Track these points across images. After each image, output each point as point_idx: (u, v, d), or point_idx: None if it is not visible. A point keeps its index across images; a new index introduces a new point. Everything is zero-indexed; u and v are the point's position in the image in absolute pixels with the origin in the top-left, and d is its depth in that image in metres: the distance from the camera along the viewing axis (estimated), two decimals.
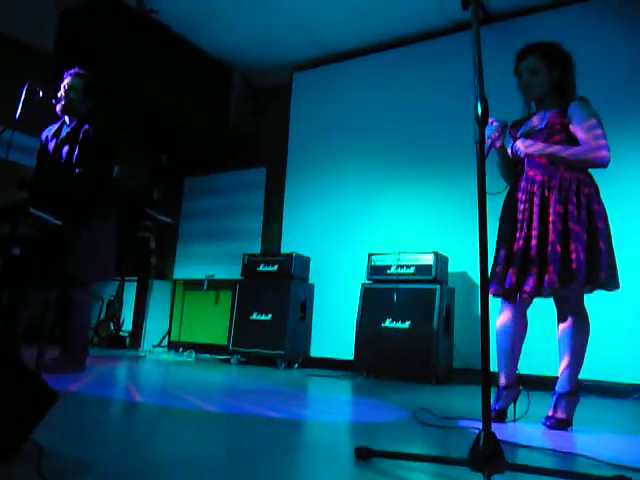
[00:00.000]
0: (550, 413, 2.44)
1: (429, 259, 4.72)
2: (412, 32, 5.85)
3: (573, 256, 2.32)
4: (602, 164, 2.41)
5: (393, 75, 6.00)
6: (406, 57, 5.97)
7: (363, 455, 1.54)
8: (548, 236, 2.38)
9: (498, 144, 2.55)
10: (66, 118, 3.67)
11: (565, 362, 2.48)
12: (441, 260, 4.78)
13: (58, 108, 3.62)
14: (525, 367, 2.47)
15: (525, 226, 2.44)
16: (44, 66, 5.57)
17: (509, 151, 2.65)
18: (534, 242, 2.39)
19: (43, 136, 3.74)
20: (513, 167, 2.65)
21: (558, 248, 2.34)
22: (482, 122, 1.45)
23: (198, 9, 5.74)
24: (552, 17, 5.08)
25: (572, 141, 2.47)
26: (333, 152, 6.23)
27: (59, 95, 3.60)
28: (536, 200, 2.45)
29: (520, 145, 2.53)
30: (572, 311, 2.50)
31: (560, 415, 2.41)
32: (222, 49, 6.52)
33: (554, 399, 2.46)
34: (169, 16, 5.84)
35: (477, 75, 1.48)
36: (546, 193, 2.44)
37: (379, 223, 5.74)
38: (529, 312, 2.55)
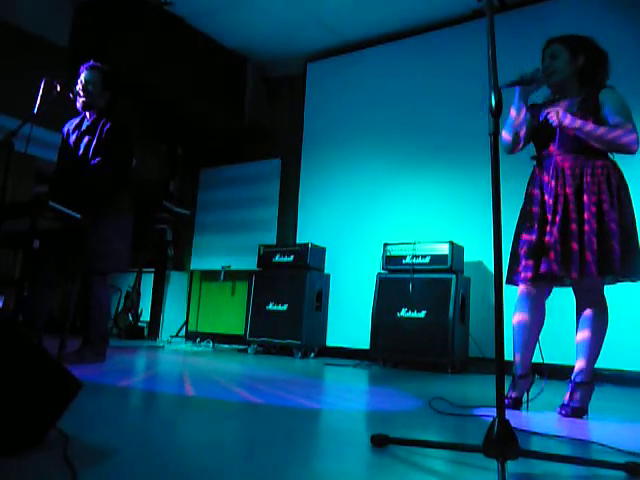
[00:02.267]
0: (566, 401, 2.44)
1: (444, 249, 4.72)
2: (427, 20, 5.81)
3: (613, 246, 2.31)
4: (631, 149, 2.39)
5: (408, 64, 5.97)
6: (421, 46, 5.93)
7: (380, 442, 1.57)
8: (584, 225, 2.36)
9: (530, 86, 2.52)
10: (86, 113, 3.70)
11: (583, 351, 2.48)
12: (456, 250, 4.78)
13: (78, 104, 3.65)
14: (539, 355, 2.48)
15: (559, 213, 2.41)
16: (60, 60, 5.63)
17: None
18: (573, 228, 2.36)
19: (65, 129, 3.78)
20: (530, 134, 2.63)
21: (595, 238, 2.33)
22: (496, 114, 1.46)
23: (212, 0, 5.75)
24: (569, 4, 5.01)
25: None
26: (348, 142, 6.23)
27: (77, 90, 3.63)
28: (568, 189, 2.42)
29: (553, 115, 2.45)
30: (593, 301, 2.50)
31: (575, 403, 2.41)
32: (236, 40, 6.52)
33: (570, 387, 2.46)
34: (183, 8, 5.86)
35: (491, 67, 1.49)
36: (578, 181, 2.42)
37: (394, 213, 5.74)
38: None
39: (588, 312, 2.50)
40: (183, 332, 7.08)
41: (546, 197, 2.49)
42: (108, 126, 3.57)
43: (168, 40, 5.98)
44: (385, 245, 5.05)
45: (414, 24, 5.91)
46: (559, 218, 2.40)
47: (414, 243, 4.89)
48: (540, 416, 2.42)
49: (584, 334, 2.49)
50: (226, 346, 6.35)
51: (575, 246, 2.35)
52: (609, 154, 2.49)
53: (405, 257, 4.89)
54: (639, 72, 4.58)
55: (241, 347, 5.99)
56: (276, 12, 5.88)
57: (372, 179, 5.95)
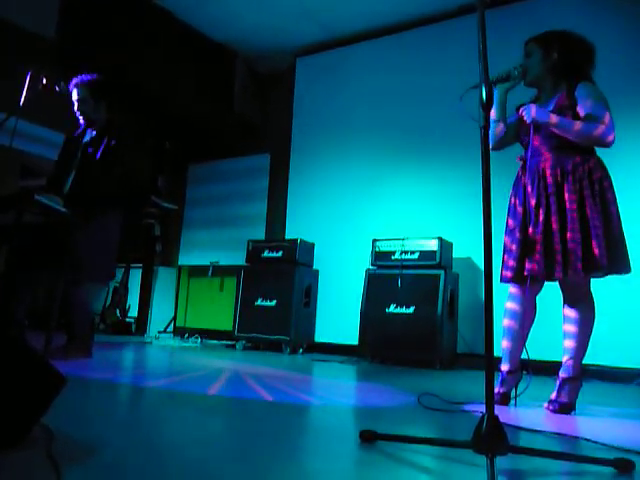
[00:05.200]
0: (553, 397, 2.46)
1: (433, 245, 4.72)
2: (418, 15, 5.79)
3: (594, 243, 2.32)
4: (606, 141, 2.38)
5: (398, 59, 5.95)
6: (411, 41, 5.92)
7: (368, 438, 1.56)
8: (566, 224, 2.37)
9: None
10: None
11: (570, 347, 2.49)
12: (445, 246, 4.78)
13: (81, 122, 3.69)
14: (529, 352, 2.48)
15: (541, 214, 2.43)
16: (46, 53, 5.56)
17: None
18: (555, 227, 2.38)
19: (69, 135, 3.79)
20: (513, 137, 2.68)
21: (578, 236, 2.34)
22: (486, 107, 1.45)
23: None
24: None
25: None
26: (337, 137, 6.22)
27: (74, 110, 3.64)
28: (550, 189, 2.44)
29: (525, 111, 2.48)
30: (580, 297, 2.51)
31: (563, 399, 2.42)
32: (225, 35, 6.48)
33: (558, 383, 2.47)
34: (172, 2, 5.80)
35: (482, 61, 1.48)
36: (559, 180, 2.43)
37: (383, 209, 5.73)
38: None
39: (576, 307, 2.51)
40: (171, 328, 7.05)
41: (528, 198, 2.50)
42: (111, 143, 3.55)
43: (156, 33, 5.92)
44: (374, 241, 5.05)
45: (403, 19, 5.89)
46: (542, 219, 2.43)
47: (403, 239, 4.89)
48: (528, 412, 2.43)
49: (571, 330, 2.50)
50: (214, 342, 6.33)
51: (558, 247, 2.37)
52: (595, 149, 2.49)
53: (394, 253, 4.89)
54: (632, 67, 4.60)
55: (229, 343, 5.96)
56: (265, 5, 5.84)
57: (361, 175, 5.94)
